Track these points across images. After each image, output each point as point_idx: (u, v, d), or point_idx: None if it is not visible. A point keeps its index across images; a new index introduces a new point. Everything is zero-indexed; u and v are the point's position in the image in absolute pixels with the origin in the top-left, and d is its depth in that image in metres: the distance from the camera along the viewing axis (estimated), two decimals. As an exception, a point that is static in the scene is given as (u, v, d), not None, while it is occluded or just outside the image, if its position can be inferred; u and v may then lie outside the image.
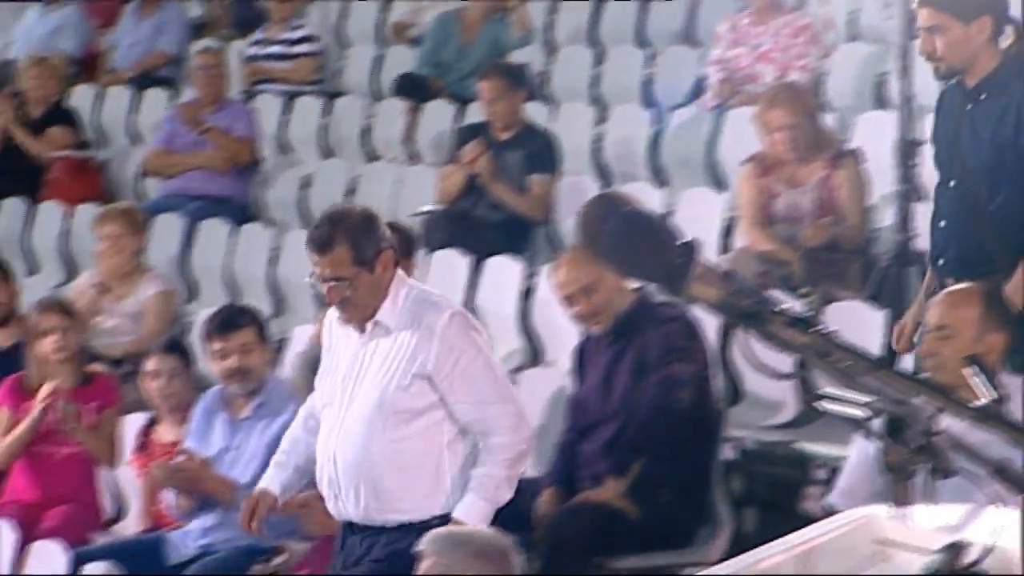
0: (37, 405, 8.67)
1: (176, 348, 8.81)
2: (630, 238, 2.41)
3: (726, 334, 7.80)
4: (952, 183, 6.93)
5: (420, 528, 6.05)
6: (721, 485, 7.64)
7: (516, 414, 6.55)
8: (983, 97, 6.84)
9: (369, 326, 6.44)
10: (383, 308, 6.41)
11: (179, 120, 12.45)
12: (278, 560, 7.66)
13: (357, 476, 6.44)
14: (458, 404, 6.43)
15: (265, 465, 7.50)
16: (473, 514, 6.31)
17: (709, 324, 7.57)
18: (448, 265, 9.98)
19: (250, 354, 8.11)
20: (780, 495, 7.73)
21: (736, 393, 8.06)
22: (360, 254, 6.33)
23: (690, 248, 2.36)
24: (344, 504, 6.50)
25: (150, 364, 8.66)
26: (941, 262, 7.01)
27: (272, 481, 6.82)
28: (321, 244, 6.34)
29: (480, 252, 10.03)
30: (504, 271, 9.82)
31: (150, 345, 9.57)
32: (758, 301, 2.38)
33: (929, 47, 6.82)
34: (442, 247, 10.12)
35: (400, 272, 6.59)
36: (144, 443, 8.69)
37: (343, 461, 6.44)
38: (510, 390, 6.77)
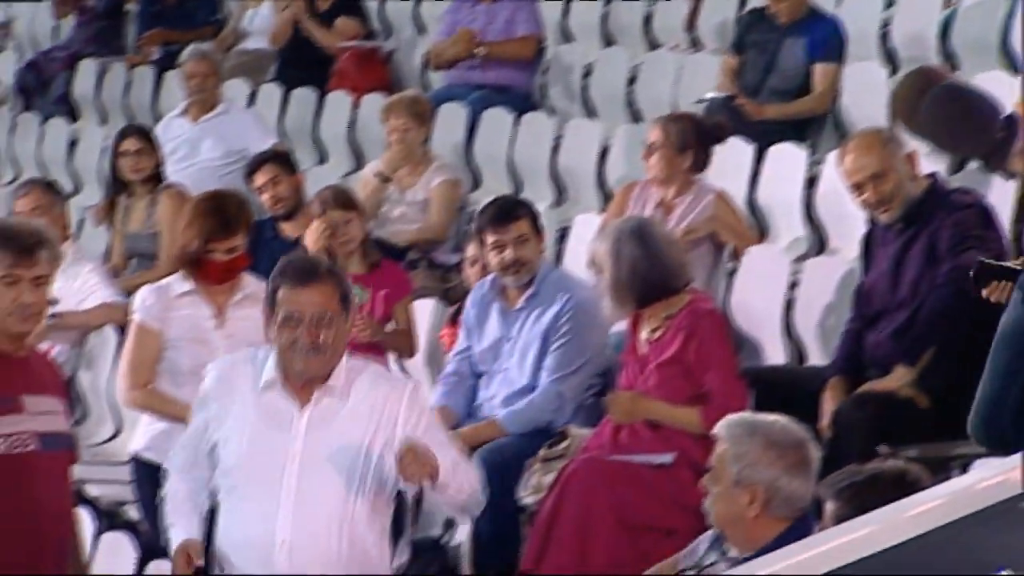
0: None
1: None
2: (949, 113, 2.38)
3: (1021, 219, 7.65)
4: None
5: None
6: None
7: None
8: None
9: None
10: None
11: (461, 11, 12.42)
12: (563, 444, 7.69)
13: None
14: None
15: (540, 354, 7.86)
16: None
17: (1004, 212, 7.45)
18: (731, 153, 9.82)
19: (525, 245, 8.01)
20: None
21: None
22: (343, 292, 5.81)
23: (1012, 122, 2.32)
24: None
25: (470, 250, 8.74)
26: None
27: None
28: (308, 278, 5.67)
29: (763, 140, 9.86)
30: (788, 159, 9.67)
31: (435, 234, 9.66)
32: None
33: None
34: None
35: None
36: (456, 320, 8.77)
37: (296, 551, 5.74)
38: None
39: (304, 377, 5.64)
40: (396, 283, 8.89)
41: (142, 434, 7.48)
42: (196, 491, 5.89)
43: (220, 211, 6.94)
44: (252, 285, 7.16)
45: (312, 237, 8.84)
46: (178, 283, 7.00)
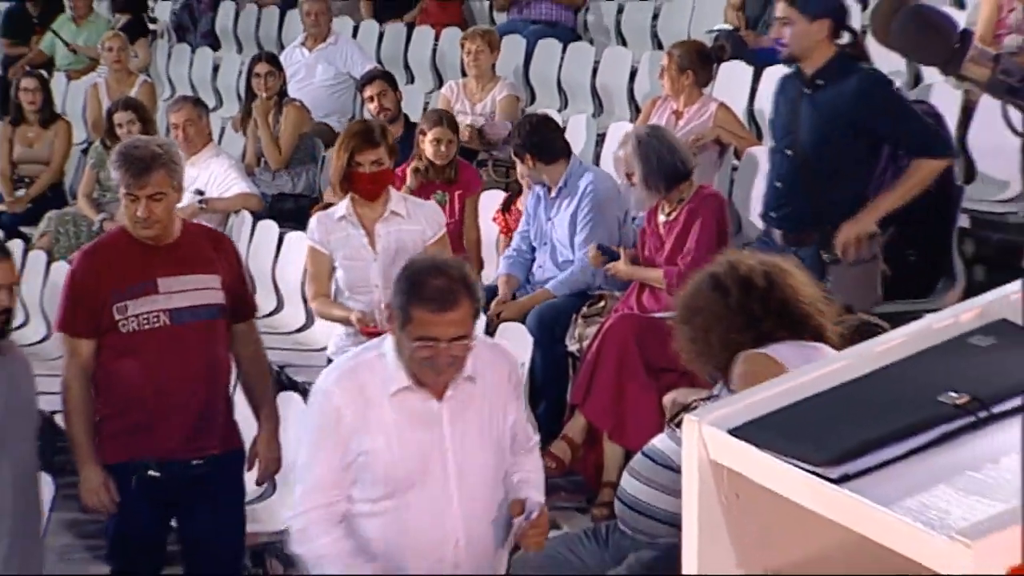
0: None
1: None
2: (916, 27, 2.32)
3: (965, 126, 7.61)
4: (789, 152, 6.99)
5: None
6: (957, 247, 7.55)
7: None
8: (820, 83, 6.81)
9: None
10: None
11: None
12: (600, 304, 7.74)
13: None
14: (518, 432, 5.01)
15: (571, 232, 8.06)
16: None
17: (950, 116, 7.41)
18: (735, 73, 9.90)
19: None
20: (1004, 255, 7.56)
21: (972, 173, 7.87)
22: (476, 304, 4.75)
23: (966, 35, 2.27)
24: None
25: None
26: (773, 215, 7.17)
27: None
28: (447, 303, 4.55)
29: (760, 62, 9.71)
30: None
31: (500, 138, 9.67)
32: (1021, 79, 2.27)
33: (776, 34, 6.98)
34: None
35: None
36: (508, 207, 8.78)
37: (469, 544, 4.77)
38: None
39: (439, 386, 4.67)
40: (469, 181, 8.91)
41: (332, 342, 7.22)
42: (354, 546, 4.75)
43: (365, 130, 6.71)
44: (396, 201, 6.82)
45: (426, 146, 8.87)
46: (338, 209, 6.74)
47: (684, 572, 2.60)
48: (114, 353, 5.82)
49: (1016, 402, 2.33)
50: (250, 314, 6.25)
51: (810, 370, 2.64)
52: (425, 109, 10.93)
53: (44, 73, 13.10)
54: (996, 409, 2.33)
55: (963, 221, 7.63)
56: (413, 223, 6.72)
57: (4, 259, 5.52)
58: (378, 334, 6.12)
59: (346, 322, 6.59)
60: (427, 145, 8.86)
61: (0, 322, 5.41)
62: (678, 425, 5.42)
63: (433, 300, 4.50)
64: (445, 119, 9.06)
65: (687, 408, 5.60)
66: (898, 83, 7.86)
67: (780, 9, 6.86)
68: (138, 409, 5.83)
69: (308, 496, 4.74)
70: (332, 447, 4.68)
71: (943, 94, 8.09)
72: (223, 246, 6.25)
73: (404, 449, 4.67)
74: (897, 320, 2.95)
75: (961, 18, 9.04)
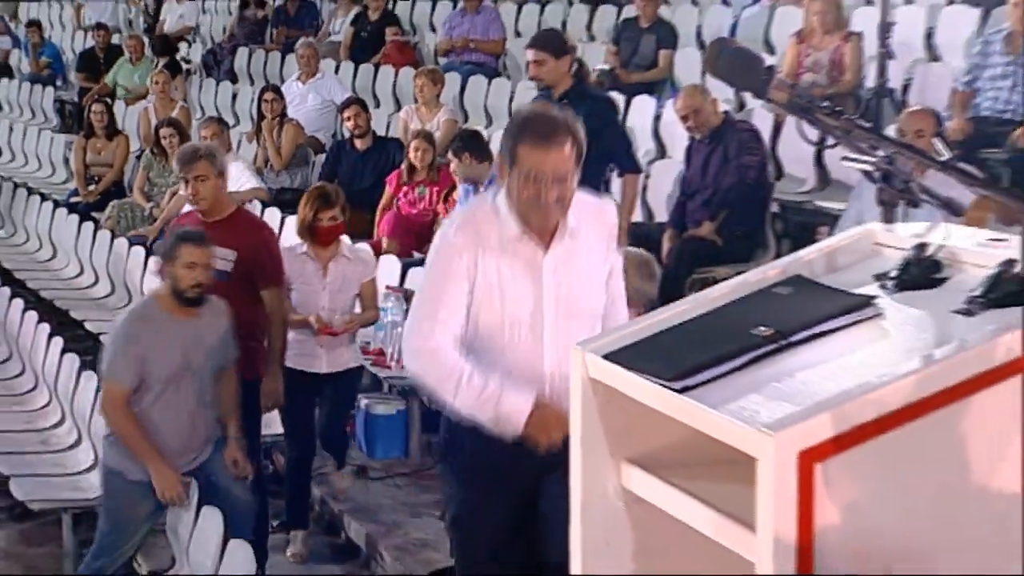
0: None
1: None
2: (735, 63, 2.32)
3: (775, 138, 7.68)
4: None
5: None
6: (770, 226, 7.59)
7: None
8: (565, 103, 6.15)
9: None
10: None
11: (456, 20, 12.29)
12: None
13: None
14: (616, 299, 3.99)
15: None
16: None
17: (766, 131, 7.48)
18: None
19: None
20: (802, 232, 7.52)
21: (781, 172, 7.93)
22: (579, 147, 3.75)
23: (771, 69, 2.27)
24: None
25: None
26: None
27: None
28: (551, 139, 3.68)
29: (630, 93, 9.64)
30: (644, 105, 9.50)
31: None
32: (809, 100, 2.28)
33: (533, 72, 6.87)
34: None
35: None
36: (447, 198, 8.65)
37: (562, 380, 3.35)
38: None
39: (546, 227, 3.78)
40: (444, 181, 8.63)
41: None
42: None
43: (324, 193, 6.39)
44: (344, 247, 6.51)
45: (412, 153, 8.78)
46: (301, 247, 6.36)
47: (571, 460, 2.61)
48: None
49: (806, 334, 2.35)
50: (266, 284, 5.93)
51: (664, 311, 2.65)
52: (388, 128, 10.85)
53: (109, 100, 13.02)
54: (793, 339, 2.34)
55: (774, 207, 7.67)
56: (356, 265, 6.45)
57: (201, 244, 5.37)
58: (334, 334, 6.19)
59: (305, 324, 6.20)
60: (411, 152, 8.79)
61: (196, 292, 5.32)
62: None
63: (537, 133, 3.68)
64: (423, 135, 8.95)
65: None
66: (727, 107, 7.90)
67: (531, 54, 6.73)
68: None
69: (434, 323, 3.81)
70: (455, 283, 3.79)
71: (760, 116, 8.15)
72: (242, 231, 6.01)
73: (510, 293, 3.79)
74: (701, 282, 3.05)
75: (770, 61, 9.08)
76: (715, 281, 3.20)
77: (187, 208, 6.59)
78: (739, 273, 2.86)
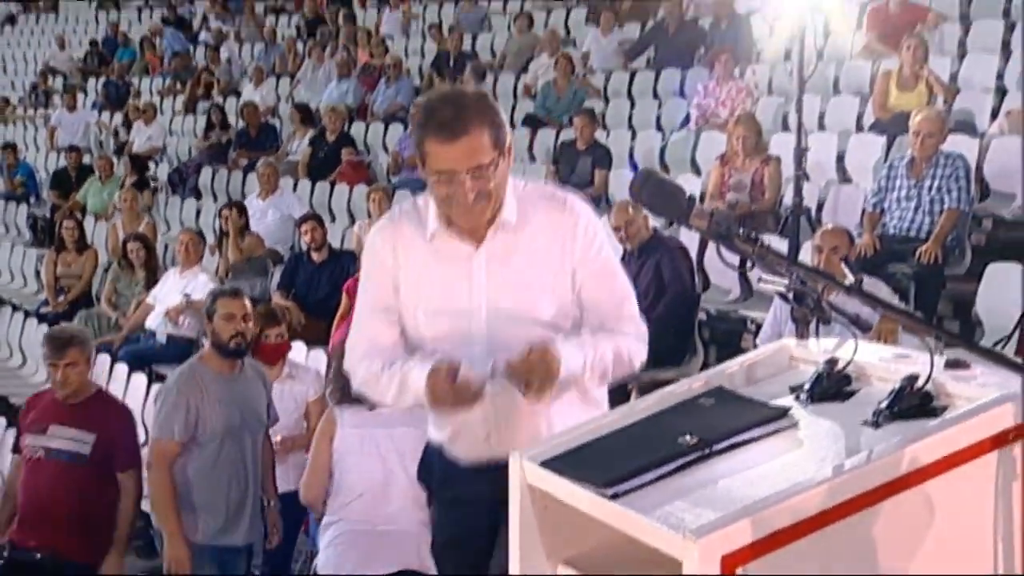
0: None
1: None
2: (660, 193, 2.36)
3: (702, 252, 7.74)
4: None
5: None
6: (698, 333, 7.59)
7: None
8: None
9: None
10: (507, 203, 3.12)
11: (406, 142, 12.34)
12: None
13: (520, 404, 3.02)
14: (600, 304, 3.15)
15: None
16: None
17: (692, 248, 7.54)
18: None
19: None
20: (730, 337, 7.58)
21: (707, 284, 7.99)
22: (498, 131, 3.02)
23: (691, 199, 2.31)
24: (495, 441, 3.13)
25: None
26: None
27: None
28: (457, 130, 2.96)
29: None
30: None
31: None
32: (727, 227, 2.32)
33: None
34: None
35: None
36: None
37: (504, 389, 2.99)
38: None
39: (474, 224, 3.10)
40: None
41: None
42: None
43: (271, 312, 6.31)
44: (293, 368, 6.37)
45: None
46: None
47: (511, 560, 2.59)
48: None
49: (728, 443, 2.37)
50: (123, 467, 5.53)
51: (598, 419, 2.67)
52: (343, 241, 10.86)
53: (79, 216, 12.96)
54: (716, 447, 2.36)
55: (702, 315, 7.68)
56: (302, 384, 6.28)
57: (236, 297, 5.36)
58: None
59: None
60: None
61: (237, 343, 5.26)
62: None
63: (439, 127, 2.97)
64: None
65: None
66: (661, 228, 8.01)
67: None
68: None
69: (361, 337, 3.27)
70: (380, 286, 3.21)
71: (688, 234, 8.23)
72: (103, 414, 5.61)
73: (437, 288, 3.15)
74: (661, 383, 3.00)
75: (697, 182, 9.20)
76: (660, 384, 3.12)
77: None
78: (672, 380, 2.89)
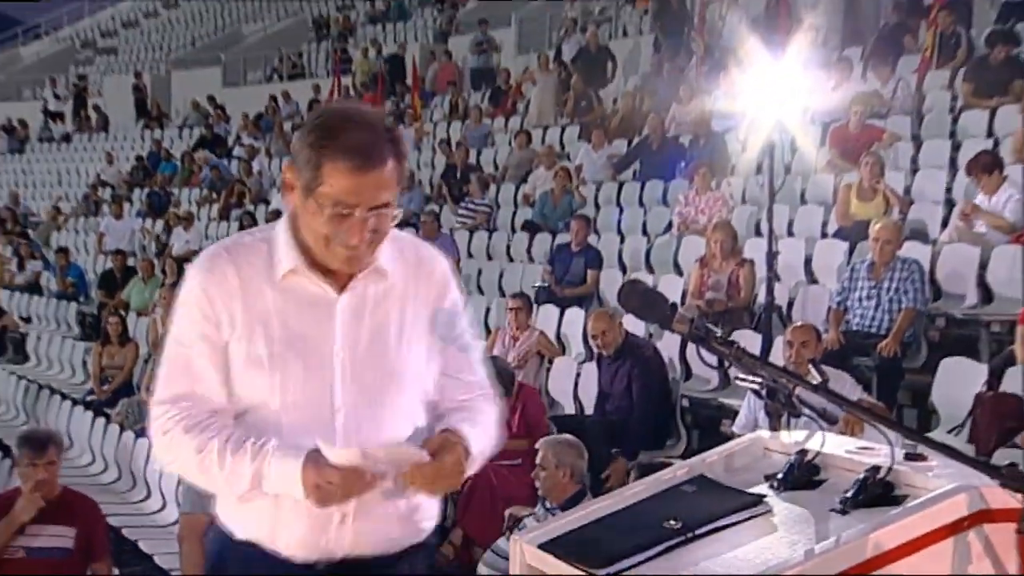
0: None
1: None
2: (645, 302, 2.37)
3: (684, 347, 7.73)
4: None
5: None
6: (681, 418, 7.58)
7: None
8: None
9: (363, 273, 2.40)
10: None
11: None
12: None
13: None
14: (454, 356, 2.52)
15: None
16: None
17: (673, 348, 7.55)
18: (551, 312, 9.71)
19: None
20: (711, 423, 7.54)
21: (689, 374, 7.98)
22: (404, 162, 2.36)
23: (673, 305, 2.32)
24: (339, 533, 2.42)
25: None
26: None
27: None
28: (373, 158, 2.25)
29: (564, 306, 9.68)
30: (575, 317, 9.43)
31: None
32: (706, 330, 2.32)
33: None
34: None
35: None
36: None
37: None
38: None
39: (350, 270, 2.37)
40: None
41: None
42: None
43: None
44: None
45: None
46: None
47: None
48: None
49: (709, 527, 2.35)
50: (97, 557, 5.29)
51: (591, 504, 2.65)
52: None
53: (123, 312, 13.00)
54: (698, 531, 2.34)
55: (685, 403, 7.66)
56: None
57: None
58: None
59: None
60: None
61: None
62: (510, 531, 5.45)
63: (355, 153, 2.24)
64: None
65: (518, 520, 5.61)
66: (643, 332, 7.98)
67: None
68: None
69: (167, 403, 2.40)
70: (199, 340, 2.38)
71: (669, 337, 8.17)
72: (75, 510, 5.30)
73: (290, 330, 2.37)
74: (648, 467, 3.00)
75: (679, 282, 9.22)
76: (660, 466, 3.03)
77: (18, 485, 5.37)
78: (661, 463, 2.88)
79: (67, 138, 26.83)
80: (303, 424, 2.36)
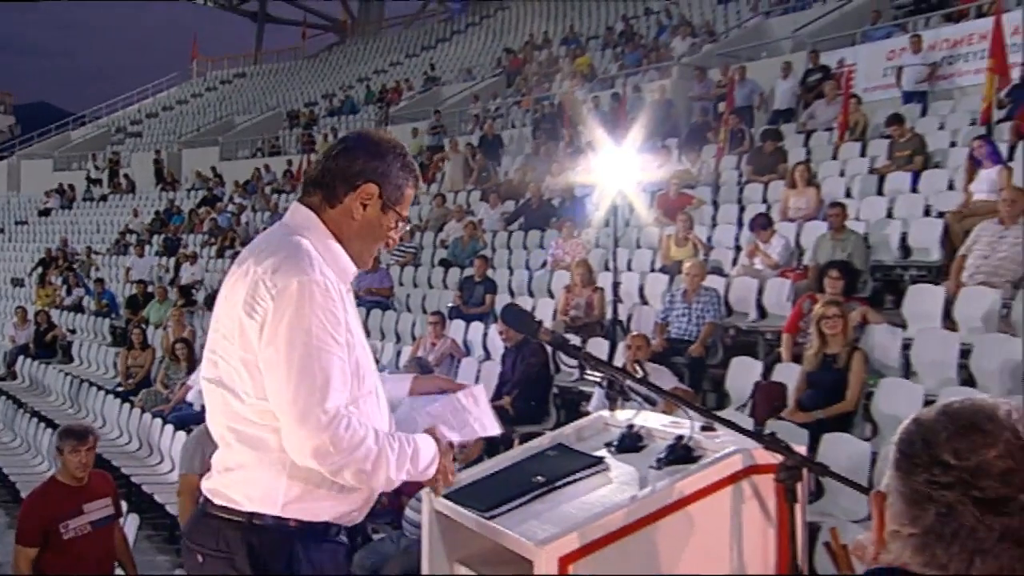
0: None
1: None
2: (518, 319, 2.37)
3: (555, 351, 7.68)
4: None
5: None
6: (553, 401, 7.53)
7: None
8: None
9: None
10: None
11: (361, 276, 12.02)
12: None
13: None
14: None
15: None
16: None
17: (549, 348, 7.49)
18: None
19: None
20: (572, 406, 7.36)
21: (559, 368, 7.97)
22: None
23: (540, 322, 2.32)
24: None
25: None
26: None
27: None
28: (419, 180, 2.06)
29: (467, 320, 9.60)
30: (476, 328, 9.39)
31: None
32: (563, 340, 2.33)
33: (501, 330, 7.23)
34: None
35: None
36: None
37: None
38: None
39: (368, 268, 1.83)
40: None
41: None
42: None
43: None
44: None
45: None
46: None
47: (422, 561, 2.52)
48: None
49: (565, 480, 2.34)
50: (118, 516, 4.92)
51: (482, 465, 2.62)
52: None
53: (143, 326, 12.61)
54: (557, 484, 2.33)
55: (556, 389, 7.60)
56: None
57: None
58: None
59: None
60: None
61: None
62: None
63: (418, 178, 2.06)
64: None
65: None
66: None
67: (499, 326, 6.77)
68: None
69: (327, 404, 1.84)
70: (339, 333, 1.88)
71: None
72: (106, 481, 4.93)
73: (356, 328, 1.97)
74: (528, 436, 2.92)
75: (551, 303, 9.20)
76: (529, 436, 3.02)
77: (61, 479, 4.77)
78: (534, 433, 2.84)
79: (104, 198, 26.07)
80: (377, 409, 2.01)
